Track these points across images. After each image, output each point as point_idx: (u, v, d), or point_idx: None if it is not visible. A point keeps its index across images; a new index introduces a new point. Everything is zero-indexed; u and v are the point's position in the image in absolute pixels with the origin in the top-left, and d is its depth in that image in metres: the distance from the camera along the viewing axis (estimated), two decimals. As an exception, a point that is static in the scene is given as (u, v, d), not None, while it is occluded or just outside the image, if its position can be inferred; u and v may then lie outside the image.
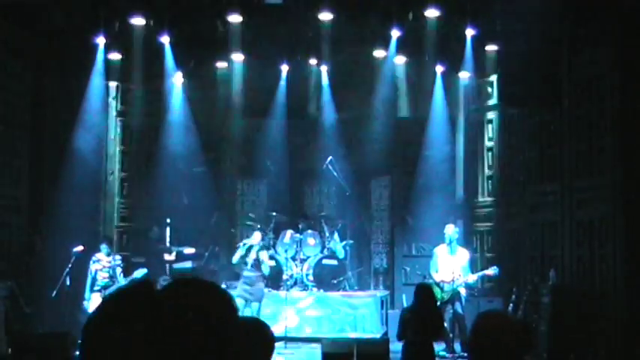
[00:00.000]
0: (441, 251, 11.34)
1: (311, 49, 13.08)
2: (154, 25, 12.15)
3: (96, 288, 11.70)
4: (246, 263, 11.57)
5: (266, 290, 13.00)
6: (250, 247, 11.60)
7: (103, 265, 11.78)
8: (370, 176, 14.72)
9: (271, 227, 13.87)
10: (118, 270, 11.79)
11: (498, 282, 12.60)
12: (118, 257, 11.94)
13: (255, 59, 13.17)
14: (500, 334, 2.88)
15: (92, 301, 11.60)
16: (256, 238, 11.83)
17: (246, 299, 11.50)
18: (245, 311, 11.39)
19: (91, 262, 11.74)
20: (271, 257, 13.40)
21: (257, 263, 11.65)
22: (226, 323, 1.80)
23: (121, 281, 11.66)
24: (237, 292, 11.52)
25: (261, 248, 11.81)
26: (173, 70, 13.38)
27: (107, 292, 11.66)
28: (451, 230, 11.39)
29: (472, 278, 11.19)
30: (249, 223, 13.89)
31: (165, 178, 13.79)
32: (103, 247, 11.81)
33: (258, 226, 13.02)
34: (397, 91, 13.49)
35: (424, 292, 8.61)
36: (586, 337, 10.17)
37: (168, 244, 14.34)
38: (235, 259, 11.70)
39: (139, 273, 11.71)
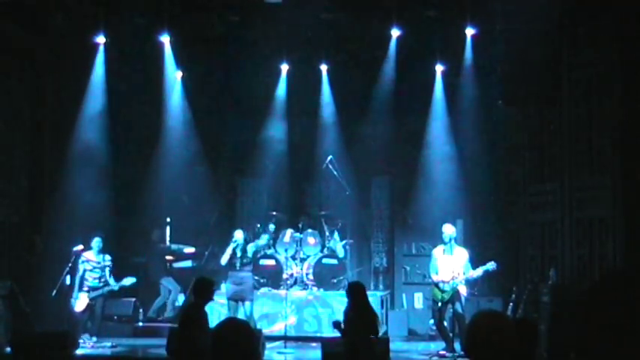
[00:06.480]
0: (439, 252, 11.29)
1: (311, 48, 13.07)
2: (154, 24, 12.14)
3: (84, 288, 11.56)
4: (234, 264, 11.53)
5: (266, 290, 13.01)
6: (236, 247, 11.55)
7: (93, 265, 11.61)
8: (370, 175, 14.71)
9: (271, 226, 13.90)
10: (107, 270, 11.65)
11: (498, 281, 12.59)
12: (107, 257, 11.69)
13: (255, 59, 13.17)
14: (495, 333, 2.89)
15: (80, 300, 11.49)
16: (239, 235, 11.76)
17: (236, 300, 11.46)
18: (239, 311, 11.37)
19: (80, 262, 11.54)
20: (271, 256, 13.43)
21: (248, 261, 11.61)
22: None
23: (112, 283, 11.62)
24: (228, 294, 11.49)
25: (246, 244, 11.74)
26: (173, 70, 13.39)
27: (94, 293, 11.57)
28: (450, 230, 11.32)
29: (476, 273, 11.01)
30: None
31: (165, 177, 13.79)
32: (96, 241, 11.57)
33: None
34: (397, 90, 13.47)
35: (354, 290, 8.64)
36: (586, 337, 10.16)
37: (168, 244, 14.36)
38: (224, 260, 11.63)
39: (128, 281, 11.68)
